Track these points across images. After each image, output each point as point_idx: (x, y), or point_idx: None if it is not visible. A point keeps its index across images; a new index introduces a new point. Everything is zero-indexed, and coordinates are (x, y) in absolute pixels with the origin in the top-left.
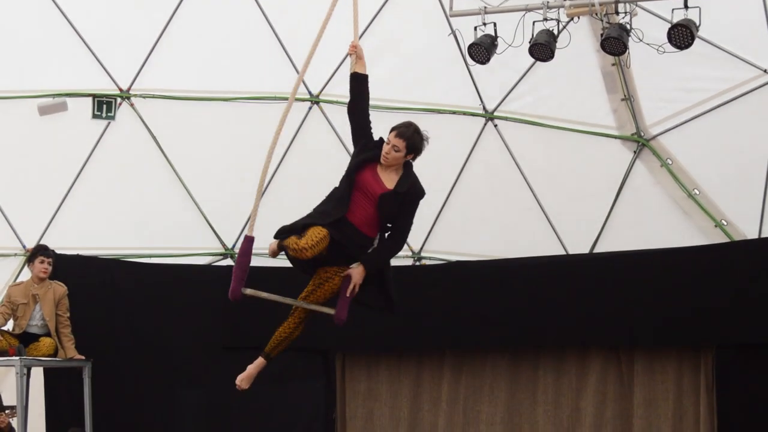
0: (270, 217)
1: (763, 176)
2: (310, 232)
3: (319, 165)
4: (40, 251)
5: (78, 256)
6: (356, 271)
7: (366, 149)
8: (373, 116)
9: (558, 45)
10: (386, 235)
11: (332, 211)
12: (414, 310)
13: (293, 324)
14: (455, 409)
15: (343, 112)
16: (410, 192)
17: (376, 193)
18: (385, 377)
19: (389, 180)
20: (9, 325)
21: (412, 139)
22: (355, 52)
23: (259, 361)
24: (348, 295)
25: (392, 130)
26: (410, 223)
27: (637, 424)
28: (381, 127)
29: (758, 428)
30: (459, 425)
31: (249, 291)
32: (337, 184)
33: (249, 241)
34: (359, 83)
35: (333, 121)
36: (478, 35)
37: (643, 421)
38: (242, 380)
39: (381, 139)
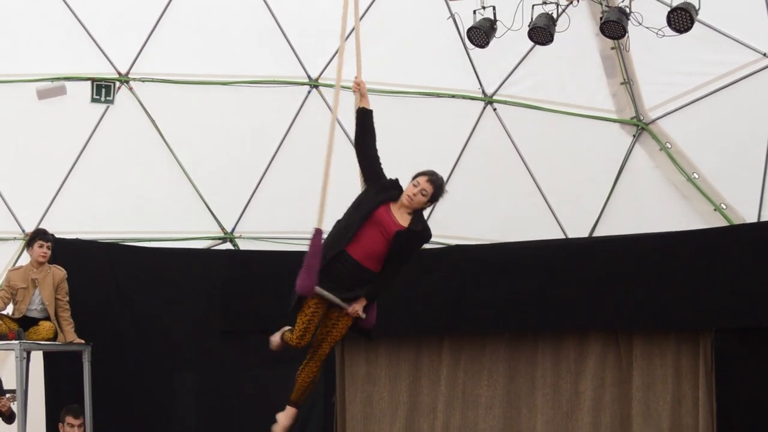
0: (269, 199)
1: (763, 160)
2: (299, 320)
3: (319, 148)
4: (38, 235)
5: (77, 240)
6: (357, 305)
7: (384, 189)
8: (372, 99)
9: (557, 29)
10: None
11: (335, 244)
12: (413, 294)
13: (315, 370)
14: (454, 393)
15: (343, 95)
16: (422, 232)
17: (391, 231)
18: (384, 361)
19: (402, 219)
20: (8, 310)
21: (440, 188)
22: (359, 90)
23: (292, 412)
24: (361, 316)
25: (422, 174)
26: (409, 261)
27: (636, 407)
28: (377, 108)
29: (757, 411)
30: (458, 409)
31: (318, 289)
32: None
33: (319, 234)
34: (366, 118)
35: (332, 105)
36: (477, 19)
37: (641, 404)
38: None
39: (396, 180)
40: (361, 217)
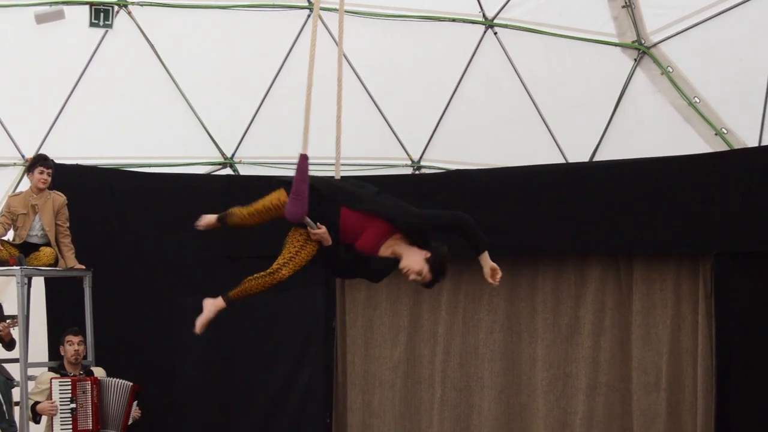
0: (269, 125)
1: (764, 84)
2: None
3: (318, 73)
4: (39, 161)
5: (77, 166)
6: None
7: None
8: (370, 23)
9: None
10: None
11: (334, 193)
12: None
13: (266, 287)
14: (455, 318)
15: (346, 21)
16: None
17: (357, 242)
18: (385, 286)
19: (384, 247)
20: (9, 236)
21: (438, 274)
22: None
23: (220, 304)
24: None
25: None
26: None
27: (635, 331)
28: (375, 33)
29: (755, 336)
30: (459, 333)
31: (307, 219)
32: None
33: (305, 159)
34: None
35: (332, 30)
36: None
37: (641, 328)
38: (199, 326)
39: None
40: (375, 204)
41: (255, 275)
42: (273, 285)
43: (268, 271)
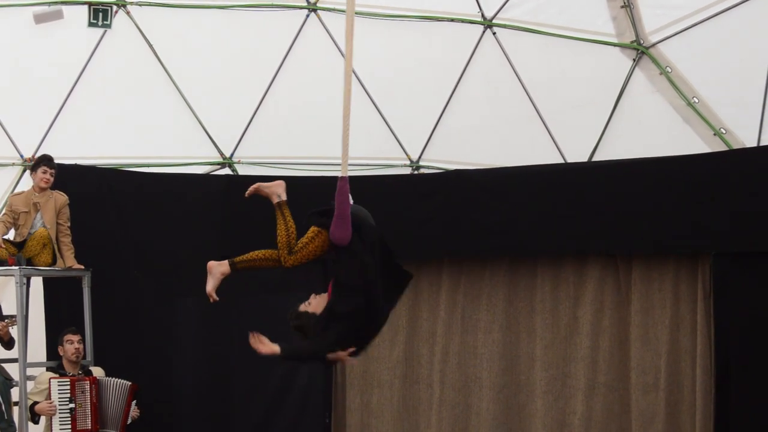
0: (268, 124)
1: (763, 85)
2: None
3: (316, 73)
4: (43, 162)
5: (76, 166)
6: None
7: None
8: (369, 23)
9: None
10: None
11: None
12: (412, 218)
13: (270, 265)
14: (453, 318)
15: (343, 19)
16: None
17: None
18: None
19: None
20: (10, 234)
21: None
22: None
23: (225, 269)
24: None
25: None
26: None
27: (634, 331)
28: (374, 34)
29: (754, 336)
30: (457, 333)
31: None
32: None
33: (347, 181)
34: None
35: (331, 29)
36: None
37: (640, 328)
38: (211, 292)
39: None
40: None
41: (265, 251)
42: (276, 266)
43: (280, 253)
